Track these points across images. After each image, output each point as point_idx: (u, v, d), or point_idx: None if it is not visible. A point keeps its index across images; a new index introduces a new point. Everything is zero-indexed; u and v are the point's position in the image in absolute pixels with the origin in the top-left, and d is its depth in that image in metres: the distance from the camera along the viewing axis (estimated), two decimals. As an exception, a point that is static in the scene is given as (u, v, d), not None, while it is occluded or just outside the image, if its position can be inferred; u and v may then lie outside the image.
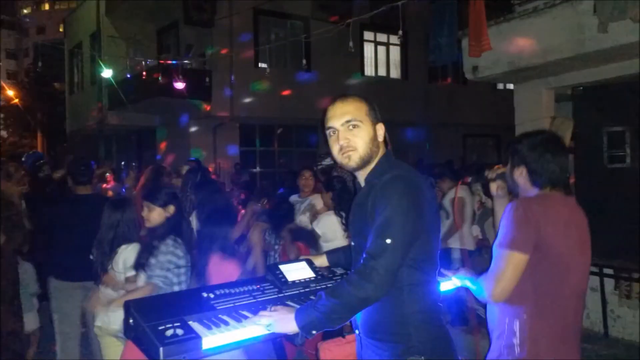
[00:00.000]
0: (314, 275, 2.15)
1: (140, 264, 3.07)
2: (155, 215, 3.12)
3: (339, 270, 2.25)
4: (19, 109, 28.38)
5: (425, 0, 10.47)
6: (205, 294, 1.90)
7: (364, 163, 1.91)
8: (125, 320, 1.75)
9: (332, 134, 1.94)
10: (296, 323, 1.73)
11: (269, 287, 2.04)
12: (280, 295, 2.01)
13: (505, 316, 2.06)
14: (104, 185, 7.10)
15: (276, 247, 4.12)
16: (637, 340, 4.89)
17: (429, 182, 3.65)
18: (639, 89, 4.92)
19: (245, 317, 1.81)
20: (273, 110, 13.90)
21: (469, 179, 2.72)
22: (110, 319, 3.20)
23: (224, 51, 13.29)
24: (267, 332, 1.76)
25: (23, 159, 7.17)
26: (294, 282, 2.07)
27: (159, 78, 11.95)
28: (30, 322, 4.39)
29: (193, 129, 14.29)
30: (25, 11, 54.17)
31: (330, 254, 2.38)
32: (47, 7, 53.69)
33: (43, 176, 6.41)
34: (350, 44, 7.54)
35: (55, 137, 27.27)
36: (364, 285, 1.70)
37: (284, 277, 2.07)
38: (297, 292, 2.04)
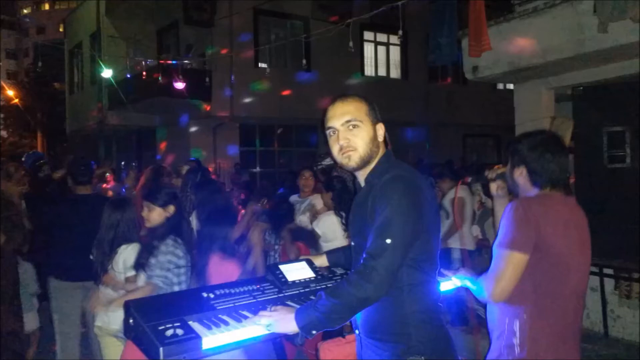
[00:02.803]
0: (314, 275, 2.15)
1: (140, 264, 3.08)
2: (155, 215, 3.12)
3: (339, 270, 2.25)
4: (19, 109, 28.43)
5: (425, 0, 10.46)
6: (205, 294, 1.90)
7: (364, 163, 1.91)
8: (125, 320, 1.75)
9: (332, 134, 1.94)
10: (296, 323, 1.73)
11: (269, 287, 2.04)
12: (280, 295, 2.00)
13: (505, 316, 2.06)
14: (104, 185, 7.11)
15: (276, 247, 4.12)
16: (637, 340, 4.89)
17: (429, 182, 3.65)
18: (639, 89, 4.92)
19: (245, 317, 1.81)
20: (273, 110, 13.90)
21: (469, 179, 2.71)
22: (110, 319, 3.21)
23: (224, 51, 13.28)
24: (267, 332, 1.76)
25: (23, 159, 7.17)
26: (294, 282, 2.07)
27: (159, 78, 11.92)
28: (30, 322, 4.39)
29: (193, 129, 14.29)
30: (25, 11, 54.15)
31: (330, 254, 2.38)
32: (47, 7, 53.66)
33: (43, 176, 6.41)
34: (350, 44, 7.53)
35: (55, 137, 27.34)
36: (364, 285, 1.70)
37: (284, 277, 2.07)
38: (297, 292, 2.04)
